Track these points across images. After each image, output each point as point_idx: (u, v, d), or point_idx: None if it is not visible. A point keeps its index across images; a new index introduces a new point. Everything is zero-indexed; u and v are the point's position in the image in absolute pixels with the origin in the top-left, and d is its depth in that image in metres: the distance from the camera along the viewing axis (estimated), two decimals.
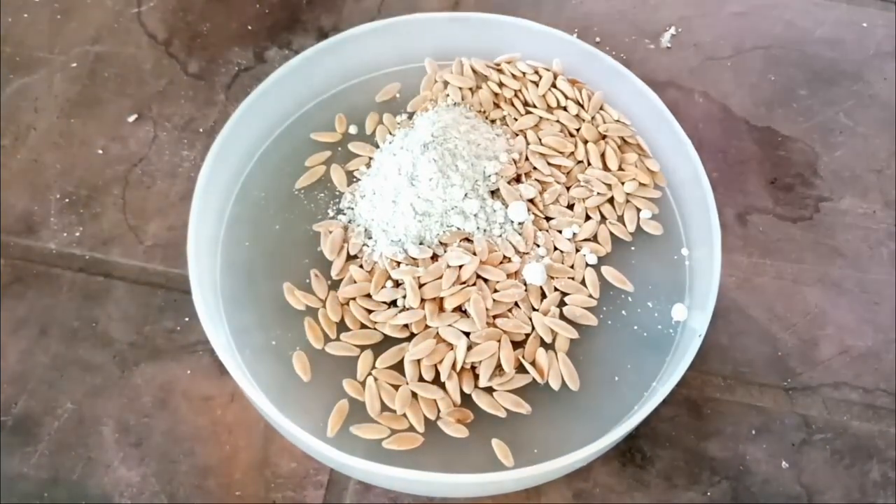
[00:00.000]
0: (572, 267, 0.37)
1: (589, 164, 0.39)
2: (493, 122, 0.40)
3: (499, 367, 0.34)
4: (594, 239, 0.38)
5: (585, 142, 0.40)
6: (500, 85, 0.41)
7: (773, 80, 0.45)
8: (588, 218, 0.38)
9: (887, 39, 0.46)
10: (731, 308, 0.38)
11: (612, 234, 0.38)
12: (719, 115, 0.43)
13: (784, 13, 0.46)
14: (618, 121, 0.40)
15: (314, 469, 0.35)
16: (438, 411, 0.34)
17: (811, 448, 0.36)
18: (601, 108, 0.40)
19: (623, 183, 0.39)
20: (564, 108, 0.41)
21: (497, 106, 0.41)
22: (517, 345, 0.35)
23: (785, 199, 0.42)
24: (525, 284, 0.36)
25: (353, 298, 0.35)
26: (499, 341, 0.35)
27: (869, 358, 0.38)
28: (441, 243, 0.36)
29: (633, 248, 0.38)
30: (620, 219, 0.38)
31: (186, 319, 0.38)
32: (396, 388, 0.34)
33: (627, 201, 0.39)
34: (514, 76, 0.41)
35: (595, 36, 0.44)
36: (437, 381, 0.34)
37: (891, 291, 0.40)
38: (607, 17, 0.45)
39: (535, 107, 0.40)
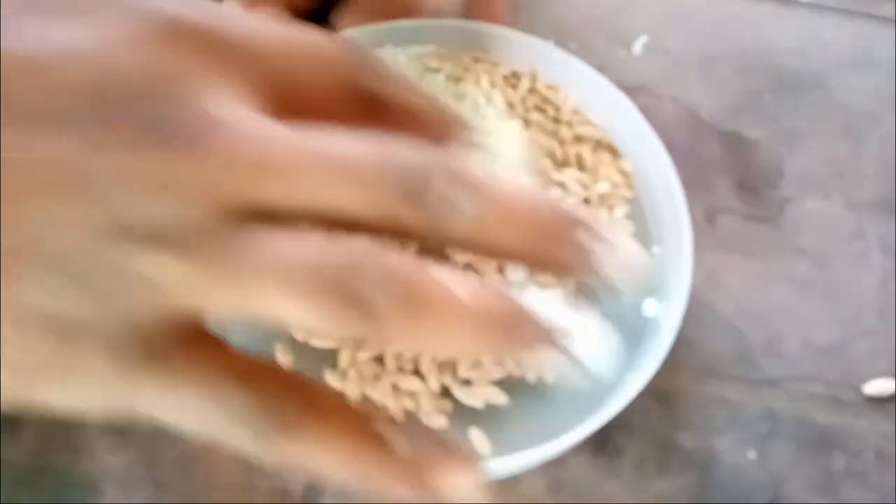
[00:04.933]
0: None
1: (565, 164, 0.41)
2: None
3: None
4: None
5: (562, 143, 0.41)
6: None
7: (739, 87, 0.46)
8: None
9: (849, 50, 0.48)
10: (699, 304, 0.40)
11: None
12: (688, 120, 0.45)
13: (751, 23, 0.48)
14: (592, 123, 0.41)
15: None
16: (418, 402, 0.34)
17: (777, 439, 0.37)
18: (576, 112, 0.42)
19: (597, 183, 0.40)
20: (542, 110, 0.42)
21: None
22: None
23: (751, 200, 0.43)
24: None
25: None
26: None
27: (832, 352, 0.39)
28: None
29: None
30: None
31: None
32: (377, 379, 0.35)
33: (601, 200, 0.40)
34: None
35: (571, 42, 0.46)
36: (416, 372, 0.35)
37: (853, 288, 0.41)
38: (583, 25, 0.47)
39: (513, 107, 0.42)
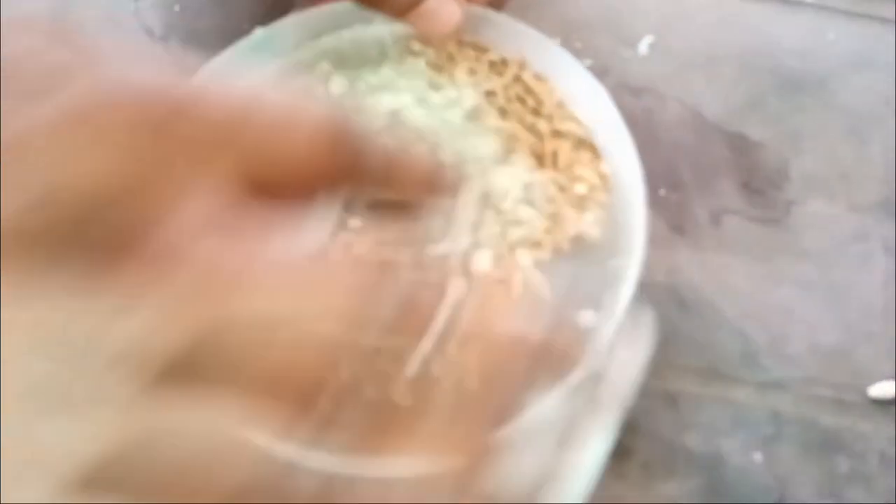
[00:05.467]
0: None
1: (540, 160, 0.40)
2: None
3: None
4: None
5: (539, 137, 0.40)
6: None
7: (744, 88, 0.46)
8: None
9: (852, 51, 0.48)
10: (705, 305, 0.40)
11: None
12: (693, 121, 0.45)
13: (755, 24, 0.48)
14: (575, 120, 0.40)
15: None
16: None
17: (783, 441, 0.37)
18: (561, 106, 0.41)
19: (574, 184, 0.39)
20: (522, 101, 0.41)
21: None
22: None
23: (756, 202, 0.43)
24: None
25: None
26: None
27: (837, 354, 0.40)
28: None
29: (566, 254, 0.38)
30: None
31: None
32: None
33: (578, 203, 0.39)
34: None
35: (576, 42, 0.46)
36: None
37: (857, 290, 0.41)
38: (588, 25, 0.47)
39: (493, 95, 0.41)
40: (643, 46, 0.47)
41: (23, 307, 0.14)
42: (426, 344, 0.16)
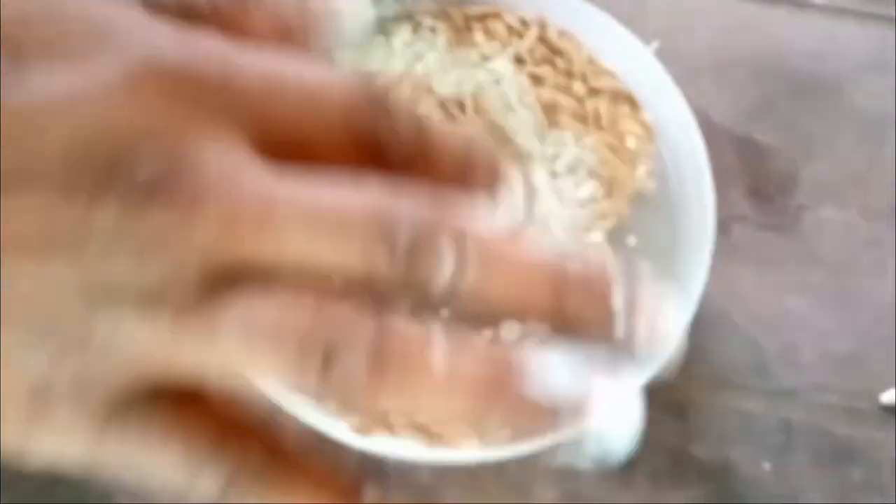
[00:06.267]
0: None
1: (583, 122, 0.39)
2: None
3: None
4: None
5: (578, 100, 0.39)
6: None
7: (754, 92, 0.46)
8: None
9: (865, 54, 0.47)
10: (714, 314, 0.39)
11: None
12: (701, 126, 0.44)
13: (765, 27, 0.47)
14: (609, 73, 0.39)
15: None
16: None
17: (793, 450, 0.37)
18: (591, 61, 0.40)
19: (624, 140, 0.38)
20: (552, 64, 0.40)
21: None
22: None
23: (766, 208, 0.43)
24: None
25: None
26: None
27: (849, 362, 0.39)
28: None
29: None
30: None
31: None
32: None
33: (630, 159, 0.38)
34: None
35: None
36: None
37: (869, 297, 0.41)
38: None
39: (521, 62, 0.40)
40: (650, 51, 0.46)
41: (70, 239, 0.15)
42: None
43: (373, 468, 0.35)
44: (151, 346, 0.16)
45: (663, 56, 0.46)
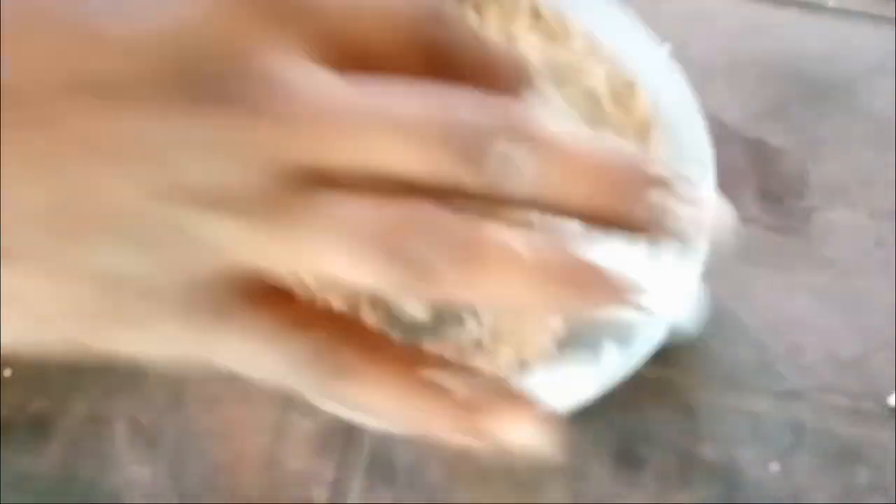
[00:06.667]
0: None
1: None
2: None
3: None
4: None
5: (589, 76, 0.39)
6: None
7: (765, 94, 0.46)
8: None
9: (878, 56, 0.47)
10: (722, 315, 0.40)
11: None
12: (712, 128, 0.44)
13: (776, 29, 0.47)
14: (606, 48, 0.39)
15: (320, 468, 0.36)
16: None
17: (800, 451, 0.37)
18: (587, 37, 0.40)
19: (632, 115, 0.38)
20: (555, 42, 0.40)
21: None
22: None
23: (775, 210, 0.43)
24: None
25: None
26: None
27: (856, 363, 0.39)
28: None
29: None
30: None
31: None
32: None
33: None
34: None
35: None
36: None
37: (878, 300, 0.41)
38: None
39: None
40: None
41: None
42: None
43: (383, 468, 0.36)
44: (231, 245, 0.16)
45: (675, 58, 0.46)
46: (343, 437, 0.36)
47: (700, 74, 0.46)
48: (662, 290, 0.17)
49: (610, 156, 0.17)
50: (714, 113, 0.45)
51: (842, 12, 0.48)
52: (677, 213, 0.17)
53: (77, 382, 0.37)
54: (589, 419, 0.37)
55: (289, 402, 0.35)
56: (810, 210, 0.43)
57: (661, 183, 0.17)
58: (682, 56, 0.46)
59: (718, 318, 0.39)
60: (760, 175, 0.44)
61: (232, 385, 0.37)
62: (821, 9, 0.48)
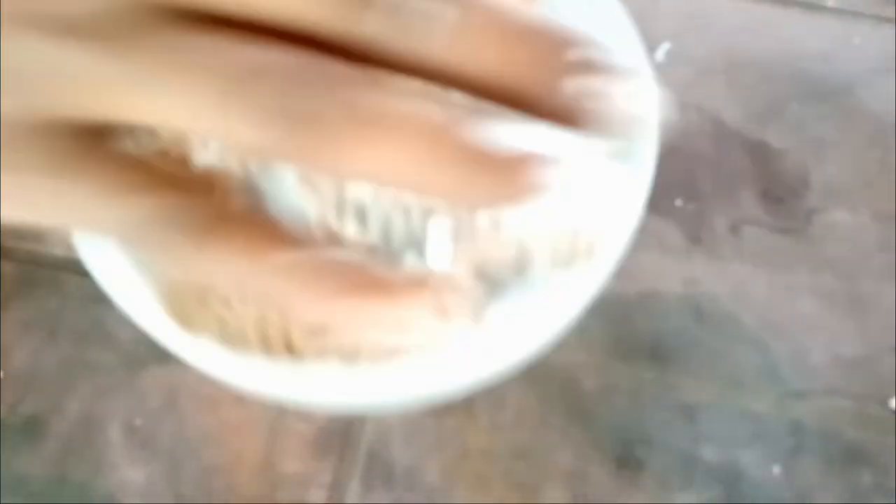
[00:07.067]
0: None
1: None
2: None
3: None
4: None
5: None
6: None
7: (765, 95, 0.46)
8: None
9: (879, 56, 0.47)
10: (724, 317, 0.39)
11: None
12: (712, 129, 0.44)
13: (777, 29, 0.47)
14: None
15: (317, 470, 0.36)
16: None
17: (803, 454, 0.37)
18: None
19: None
20: None
21: None
22: None
23: (777, 211, 0.43)
24: None
25: None
26: None
27: (859, 366, 0.39)
28: None
29: None
30: None
31: None
32: None
33: None
34: None
35: None
36: None
37: (880, 301, 0.41)
38: None
39: None
40: (660, 53, 0.46)
41: None
42: None
43: (381, 469, 0.35)
44: (78, 77, 0.15)
45: (674, 58, 0.46)
46: (340, 438, 0.35)
47: (700, 75, 0.46)
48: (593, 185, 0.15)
49: (542, 23, 0.15)
50: (714, 113, 0.45)
51: (842, 12, 0.47)
52: (607, 98, 0.15)
53: (71, 383, 0.37)
54: (589, 420, 0.36)
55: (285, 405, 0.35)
56: (811, 211, 0.43)
57: (591, 64, 0.15)
58: (682, 55, 0.46)
59: (719, 320, 0.39)
60: (761, 175, 0.43)
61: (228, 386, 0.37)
62: (821, 9, 0.47)
